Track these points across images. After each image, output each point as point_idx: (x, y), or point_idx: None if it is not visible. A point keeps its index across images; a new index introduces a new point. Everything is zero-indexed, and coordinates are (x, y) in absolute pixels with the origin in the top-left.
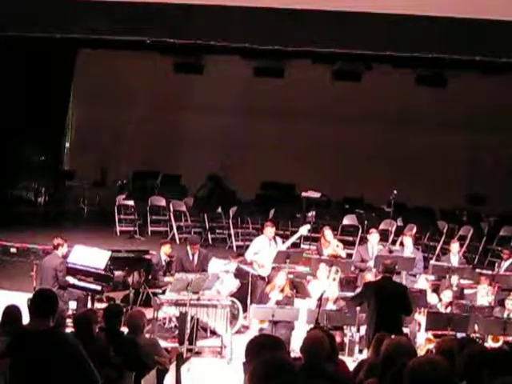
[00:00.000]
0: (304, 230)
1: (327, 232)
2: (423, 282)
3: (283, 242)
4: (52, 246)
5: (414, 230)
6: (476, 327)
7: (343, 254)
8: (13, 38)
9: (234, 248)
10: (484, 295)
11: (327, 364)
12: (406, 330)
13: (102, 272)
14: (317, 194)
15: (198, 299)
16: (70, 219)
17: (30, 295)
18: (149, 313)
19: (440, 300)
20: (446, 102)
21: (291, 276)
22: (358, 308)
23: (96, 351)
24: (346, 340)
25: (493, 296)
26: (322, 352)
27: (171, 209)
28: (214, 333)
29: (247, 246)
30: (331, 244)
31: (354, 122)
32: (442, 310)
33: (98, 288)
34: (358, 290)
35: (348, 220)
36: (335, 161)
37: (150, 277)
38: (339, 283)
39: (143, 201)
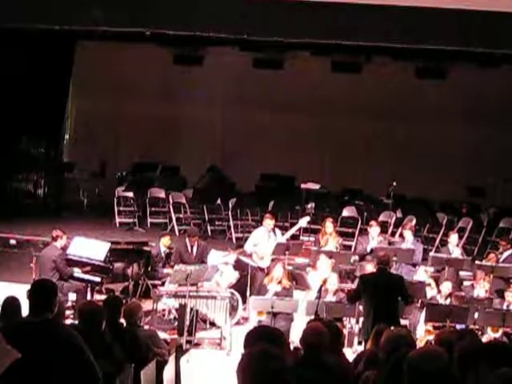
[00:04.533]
0: (303, 221)
1: (328, 224)
2: (422, 273)
3: (282, 234)
4: (51, 237)
5: (414, 222)
6: (475, 319)
7: (333, 247)
8: (11, 31)
9: (234, 240)
10: (482, 287)
11: (329, 355)
12: (405, 322)
13: (102, 264)
14: (316, 186)
15: (198, 291)
16: (69, 211)
17: (30, 287)
18: (148, 304)
19: (439, 292)
20: (445, 94)
21: (291, 268)
22: None
23: (101, 344)
24: (346, 332)
25: (489, 284)
26: (322, 344)
27: (170, 200)
28: (213, 324)
29: (246, 238)
30: (331, 237)
31: (354, 113)
32: (442, 301)
33: (98, 280)
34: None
35: (347, 212)
36: (334, 152)
37: (149, 268)
38: (338, 275)
39: (142, 192)
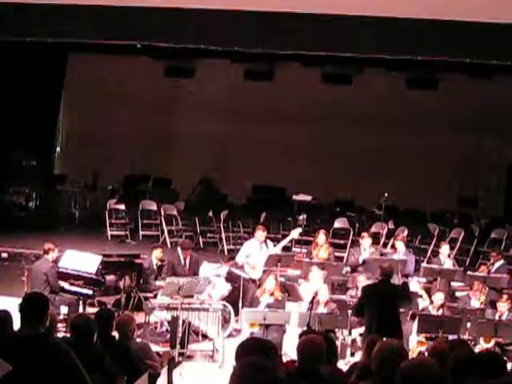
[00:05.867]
0: (295, 233)
1: (320, 235)
2: (415, 284)
3: (274, 246)
4: (43, 250)
5: (406, 233)
6: (468, 329)
7: (325, 255)
8: (2, 43)
9: (226, 252)
10: (478, 298)
11: (324, 367)
12: None
13: (94, 276)
14: (308, 197)
15: (190, 303)
16: (61, 224)
17: (21, 300)
18: (140, 317)
19: (431, 302)
20: (436, 105)
21: (283, 279)
22: (349, 311)
23: (92, 357)
24: (338, 343)
25: (484, 296)
26: (319, 356)
27: (162, 213)
28: (205, 337)
29: (238, 250)
30: (323, 247)
31: (345, 124)
32: (434, 312)
33: (90, 292)
34: (349, 292)
35: (339, 223)
36: (326, 164)
37: (141, 281)
38: (330, 286)
39: (134, 205)
